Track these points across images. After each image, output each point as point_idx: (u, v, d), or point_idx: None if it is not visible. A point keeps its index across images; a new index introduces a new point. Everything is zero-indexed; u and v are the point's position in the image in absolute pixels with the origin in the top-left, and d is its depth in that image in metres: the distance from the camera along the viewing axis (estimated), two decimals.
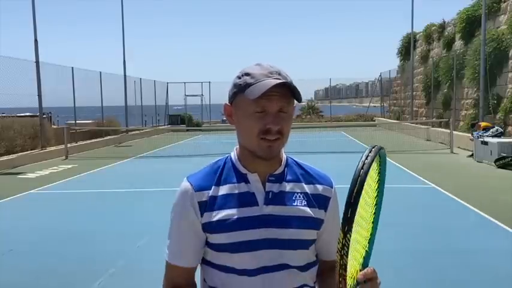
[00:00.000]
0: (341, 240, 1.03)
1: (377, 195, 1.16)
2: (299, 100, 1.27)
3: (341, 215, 1.44)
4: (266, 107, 1.24)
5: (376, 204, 1.15)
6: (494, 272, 4.65)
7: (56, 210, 8.01)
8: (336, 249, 1.42)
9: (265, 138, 1.25)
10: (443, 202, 7.90)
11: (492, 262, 4.92)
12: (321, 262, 1.42)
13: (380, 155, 1.13)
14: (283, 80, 1.23)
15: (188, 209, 1.31)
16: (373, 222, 1.15)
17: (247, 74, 1.27)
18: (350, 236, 1.03)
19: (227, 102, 1.33)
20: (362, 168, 1.04)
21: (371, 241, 1.14)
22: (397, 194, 8.23)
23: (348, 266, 1.05)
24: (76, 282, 4.66)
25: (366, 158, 1.06)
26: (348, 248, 1.04)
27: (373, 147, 1.10)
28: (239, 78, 1.28)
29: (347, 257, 1.04)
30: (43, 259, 5.34)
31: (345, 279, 1.05)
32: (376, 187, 1.15)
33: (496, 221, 6.41)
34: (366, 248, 1.13)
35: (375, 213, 1.15)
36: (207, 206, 1.30)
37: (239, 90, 1.27)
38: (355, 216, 1.02)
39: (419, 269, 4.77)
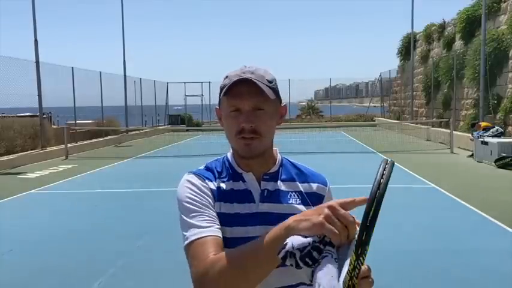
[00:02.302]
0: (353, 262, 1.00)
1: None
2: (270, 95, 1.26)
3: None
4: (238, 106, 1.27)
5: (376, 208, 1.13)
6: (494, 272, 4.65)
7: (56, 210, 8.01)
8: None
9: (242, 136, 1.28)
10: (443, 202, 7.90)
11: (492, 262, 4.92)
12: None
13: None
14: (244, 76, 1.25)
15: (204, 187, 1.30)
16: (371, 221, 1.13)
17: (226, 77, 1.31)
18: (363, 259, 1.00)
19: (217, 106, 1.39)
20: (378, 189, 0.98)
21: (368, 240, 1.13)
22: (397, 193, 8.22)
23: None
24: (76, 282, 4.66)
25: (382, 177, 1.00)
26: (359, 271, 1.01)
27: (387, 164, 1.02)
28: (223, 81, 1.33)
29: (357, 278, 1.02)
30: (43, 259, 5.34)
31: None
32: None
33: (496, 221, 6.41)
34: (367, 247, 1.13)
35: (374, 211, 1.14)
36: (214, 196, 1.31)
37: (220, 92, 1.32)
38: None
39: (419, 269, 4.77)
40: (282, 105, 1.35)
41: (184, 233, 1.23)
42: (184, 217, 1.26)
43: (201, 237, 1.19)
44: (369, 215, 0.98)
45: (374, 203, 0.97)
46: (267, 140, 1.30)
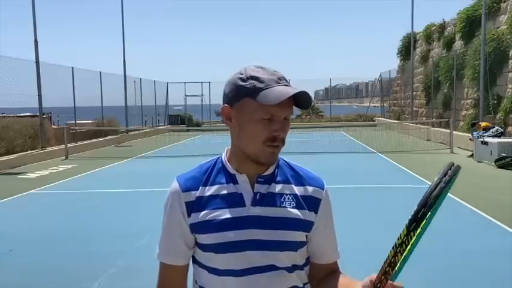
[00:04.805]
0: (402, 237, 0.98)
1: (428, 218, 1.09)
2: (306, 108, 1.27)
3: (337, 216, 1.42)
4: (275, 114, 1.22)
5: (422, 228, 1.07)
6: (494, 272, 4.65)
7: (56, 210, 8.01)
8: (331, 251, 1.40)
9: (270, 145, 1.24)
10: (443, 202, 7.88)
11: (492, 262, 4.92)
12: (314, 265, 1.39)
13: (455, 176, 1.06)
14: (302, 90, 1.21)
15: (176, 209, 1.31)
16: (412, 245, 1.06)
17: (253, 78, 1.23)
18: (414, 235, 0.97)
19: (225, 104, 1.29)
20: (446, 174, 1.03)
21: (403, 262, 1.06)
22: (397, 194, 8.23)
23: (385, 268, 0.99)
24: (76, 282, 4.66)
25: (451, 170, 1.04)
26: (406, 247, 0.98)
27: (453, 166, 1.05)
28: (243, 81, 1.24)
29: (401, 255, 0.98)
30: (43, 259, 5.34)
31: (387, 278, 1.00)
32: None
33: (496, 221, 6.41)
34: (396, 268, 1.06)
35: (418, 235, 1.06)
36: (194, 207, 1.30)
37: (246, 93, 1.23)
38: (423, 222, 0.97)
39: (419, 269, 4.76)
40: None
41: (159, 241, 1.37)
42: (162, 224, 1.36)
43: (166, 264, 1.34)
44: (430, 195, 1.02)
45: (437, 187, 1.03)
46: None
